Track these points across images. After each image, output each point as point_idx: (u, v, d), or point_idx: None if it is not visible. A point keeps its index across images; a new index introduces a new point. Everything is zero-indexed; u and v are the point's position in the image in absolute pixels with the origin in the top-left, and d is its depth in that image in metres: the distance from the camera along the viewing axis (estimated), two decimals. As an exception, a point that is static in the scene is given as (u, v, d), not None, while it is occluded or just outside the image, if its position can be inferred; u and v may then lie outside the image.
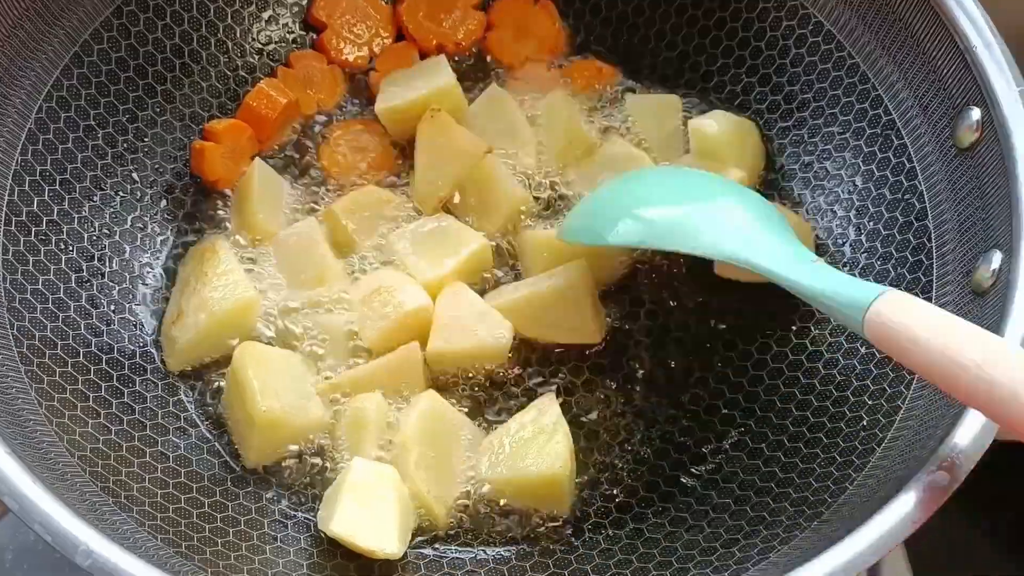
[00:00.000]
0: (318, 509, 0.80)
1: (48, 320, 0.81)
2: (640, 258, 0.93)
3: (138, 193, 0.93)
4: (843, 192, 0.91)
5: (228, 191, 0.95)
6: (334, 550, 0.78)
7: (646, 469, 0.86)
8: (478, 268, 0.92)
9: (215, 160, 0.94)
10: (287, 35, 1.02)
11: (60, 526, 0.63)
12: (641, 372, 0.89)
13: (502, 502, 0.83)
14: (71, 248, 0.86)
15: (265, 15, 1.01)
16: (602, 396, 0.88)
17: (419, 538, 0.81)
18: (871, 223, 0.88)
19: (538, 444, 0.82)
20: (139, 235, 0.92)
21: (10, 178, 0.82)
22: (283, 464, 0.84)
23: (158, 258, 0.92)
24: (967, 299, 0.76)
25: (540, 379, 0.89)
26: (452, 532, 0.82)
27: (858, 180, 0.90)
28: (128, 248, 0.91)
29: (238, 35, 1.00)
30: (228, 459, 0.84)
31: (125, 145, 0.92)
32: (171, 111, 0.95)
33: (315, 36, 1.02)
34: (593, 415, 0.88)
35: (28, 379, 0.76)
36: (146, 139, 0.93)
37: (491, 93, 0.97)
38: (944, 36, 0.80)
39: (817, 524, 0.74)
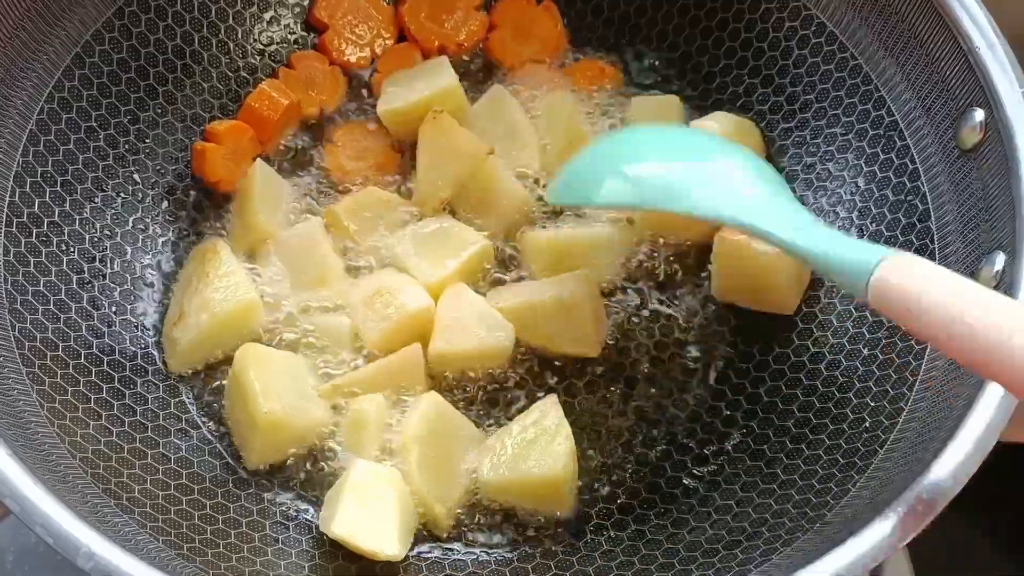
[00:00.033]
0: (320, 510, 0.80)
1: (50, 322, 0.81)
2: (642, 259, 0.93)
3: (139, 194, 0.92)
4: (845, 193, 0.91)
5: (230, 192, 0.95)
6: (336, 552, 0.78)
7: (648, 471, 0.86)
8: (480, 269, 0.92)
9: (216, 161, 0.94)
10: (288, 36, 1.02)
11: (62, 528, 0.63)
12: (643, 374, 0.89)
13: (504, 503, 0.83)
14: (72, 249, 0.86)
15: (266, 16, 1.01)
16: (604, 397, 0.88)
17: (421, 540, 0.81)
18: (873, 225, 0.88)
19: (540, 445, 0.82)
20: (140, 236, 0.92)
21: (11, 179, 0.82)
22: (285, 466, 0.84)
23: (159, 259, 0.92)
24: (970, 300, 0.76)
25: (542, 380, 0.89)
26: (453, 533, 0.82)
27: (860, 181, 0.90)
28: (129, 249, 0.91)
29: (239, 36, 1.00)
30: (230, 461, 0.84)
31: (126, 146, 0.92)
32: (172, 112, 0.95)
33: (317, 37, 1.02)
34: (595, 416, 0.87)
35: (30, 381, 0.76)
36: (147, 140, 0.93)
37: (493, 94, 0.97)
38: (947, 37, 0.80)
39: (820, 526, 0.74)
